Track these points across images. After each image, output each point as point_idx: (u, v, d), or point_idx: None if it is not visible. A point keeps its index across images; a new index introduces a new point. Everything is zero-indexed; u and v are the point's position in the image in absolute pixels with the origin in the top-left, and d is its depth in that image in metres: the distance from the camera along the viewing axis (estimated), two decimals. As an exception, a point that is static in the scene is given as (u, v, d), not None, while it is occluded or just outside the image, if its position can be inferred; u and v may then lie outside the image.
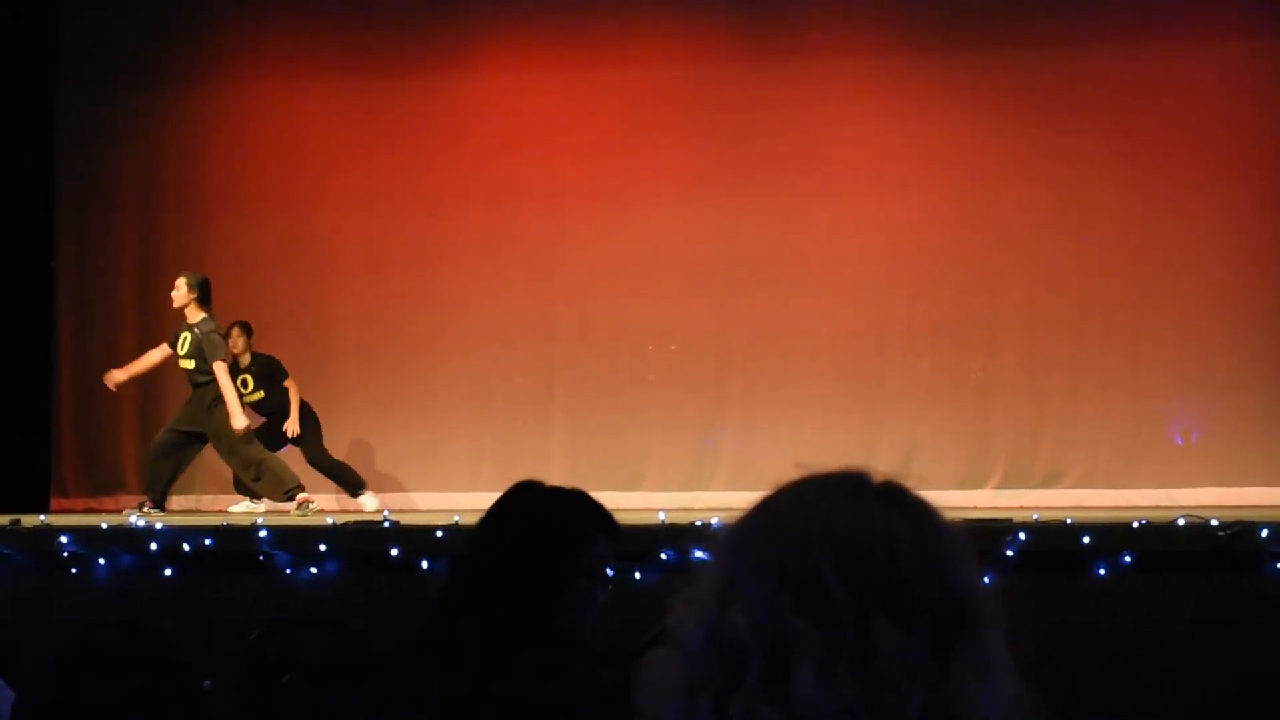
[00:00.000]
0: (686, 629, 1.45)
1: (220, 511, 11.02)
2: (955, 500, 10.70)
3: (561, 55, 12.08)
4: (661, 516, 8.60)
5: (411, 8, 12.21)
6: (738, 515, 1.53)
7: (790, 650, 1.39)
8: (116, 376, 10.88)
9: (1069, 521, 8.03)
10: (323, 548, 8.10)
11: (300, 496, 10.49)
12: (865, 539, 1.44)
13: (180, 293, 10.61)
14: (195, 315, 10.54)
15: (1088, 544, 7.51)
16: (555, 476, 3.92)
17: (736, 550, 1.47)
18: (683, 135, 11.86)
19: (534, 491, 3.41)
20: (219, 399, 10.49)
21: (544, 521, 3.33)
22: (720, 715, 1.40)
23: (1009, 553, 7.48)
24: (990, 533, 7.55)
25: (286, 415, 11.04)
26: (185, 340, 10.62)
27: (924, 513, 1.50)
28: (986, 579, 1.51)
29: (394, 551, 8.03)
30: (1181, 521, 7.86)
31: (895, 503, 1.49)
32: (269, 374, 11.13)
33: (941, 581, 1.44)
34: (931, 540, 1.47)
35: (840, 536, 1.44)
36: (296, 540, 8.21)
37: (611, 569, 3.32)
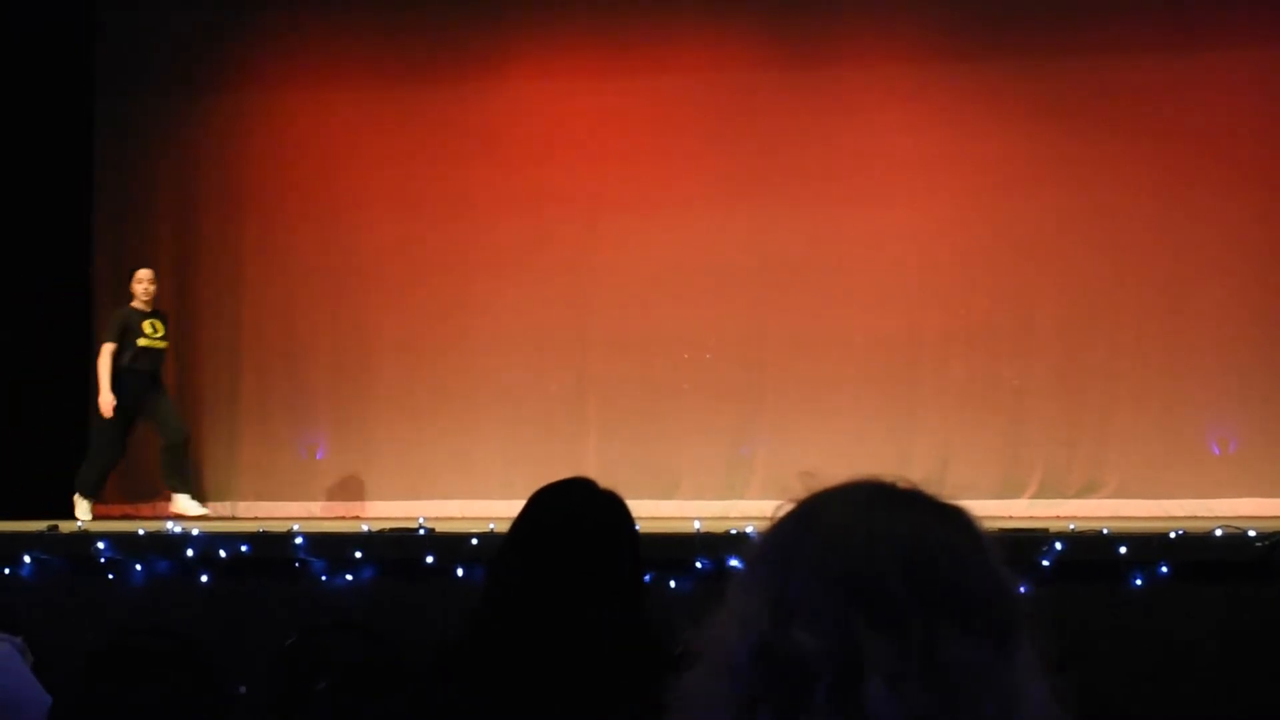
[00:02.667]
0: (730, 647, 1.43)
1: (256, 519, 11.03)
2: (991, 510, 10.67)
3: (595, 63, 12.08)
4: (696, 525, 8.60)
5: (445, 16, 12.23)
6: (768, 529, 1.52)
7: (860, 664, 1.38)
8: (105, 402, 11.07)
9: (1105, 532, 8.00)
10: (358, 554, 8.12)
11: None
12: (928, 549, 1.44)
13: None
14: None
15: (1124, 554, 7.48)
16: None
17: (790, 565, 1.46)
18: (716, 143, 11.85)
19: (571, 494, 3.41)
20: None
21: (584, 525, 3.33)
22: None
23: (1045, 563, 7.45)
24: (1026, 543, 7.53)
25: None
26: (160, 325, 11.15)
27: (969, 522, 1.50)
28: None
29: (429, 558, 8.04)
30: (1219, 532, 7.82)
31: (939, 511, 1.50)
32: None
33: (996, 589, 1.45)
34: (981, 549, 1.48)
35: (902, 544, 1.44)
36: (332, 547, 8.23)
37: (648, 576, 3.32)
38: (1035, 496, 11.26)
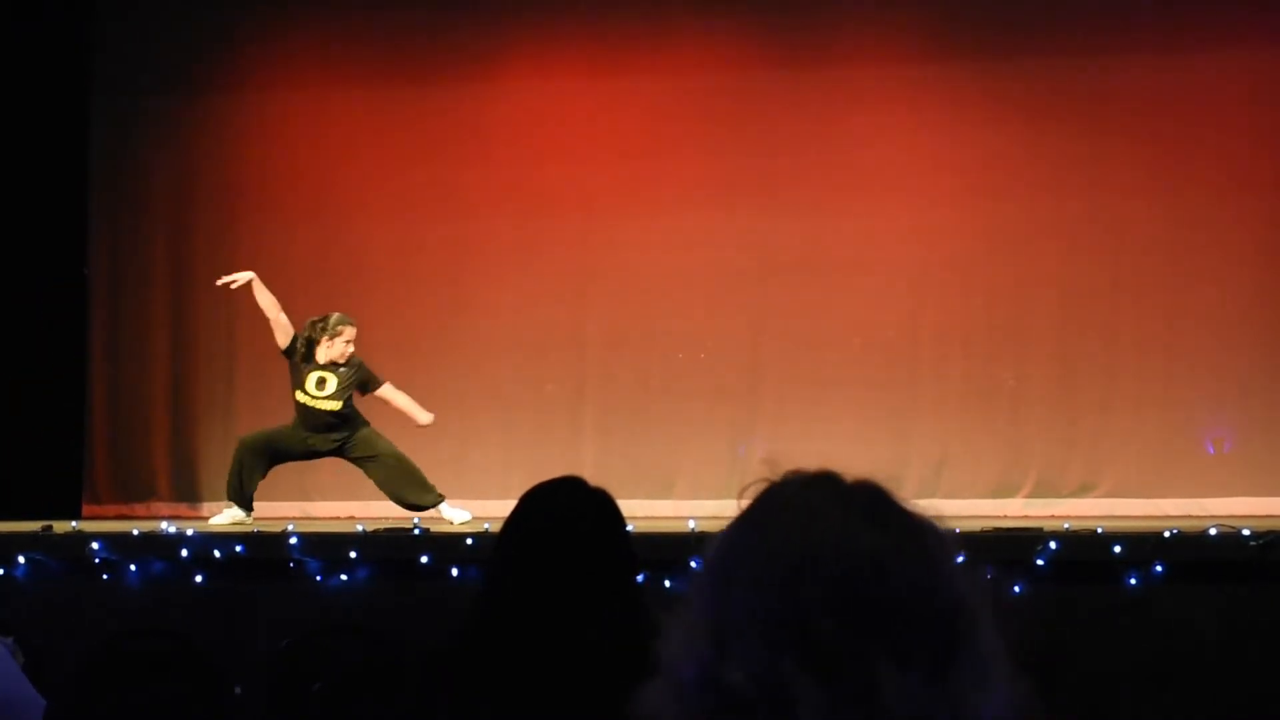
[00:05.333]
0: (679, 668, 1.43)
1: (259, 519, 11.03)
2: (986, 510, 10.69)
3: (591, 64, 12.08)
4: (692, 525, 8.61)
5: (441, 17, 12.22)
6: (719, 535, 1.51)
7: (792, 699, 1.38)
8: None
9: (1100, 531, 8.00)
10: (353, 555, 8.12)
11: None
12: (854, 568, 1.42)
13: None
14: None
15: (1119, 554, 7.49)
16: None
17: (728, 586, 1.45)
18: (714, 143, 11.85)
19: (560, 493, 3.42)
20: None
21: (573, 524, 3.33)
22: None
23: (1040, 562, 7.46)
24: (1021, 542, 7.54)
25: None
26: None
27: (905, 519, 1.48)
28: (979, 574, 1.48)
29: (424, 559, 8.05)
30: (1213, 531, 7.82)
31: (878, 516, 1.47)
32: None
33: (932, 595, 1.42)
34: (917, 553, 1.45)
35: (828, 570, 1.42)
36: (327, 547, 8.23)
37: (642, 576, 3.33)
38: (1030, 496, 11.26)
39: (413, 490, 10.26)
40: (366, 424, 10.44)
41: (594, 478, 3.52)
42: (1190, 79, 11.38)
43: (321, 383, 10.31)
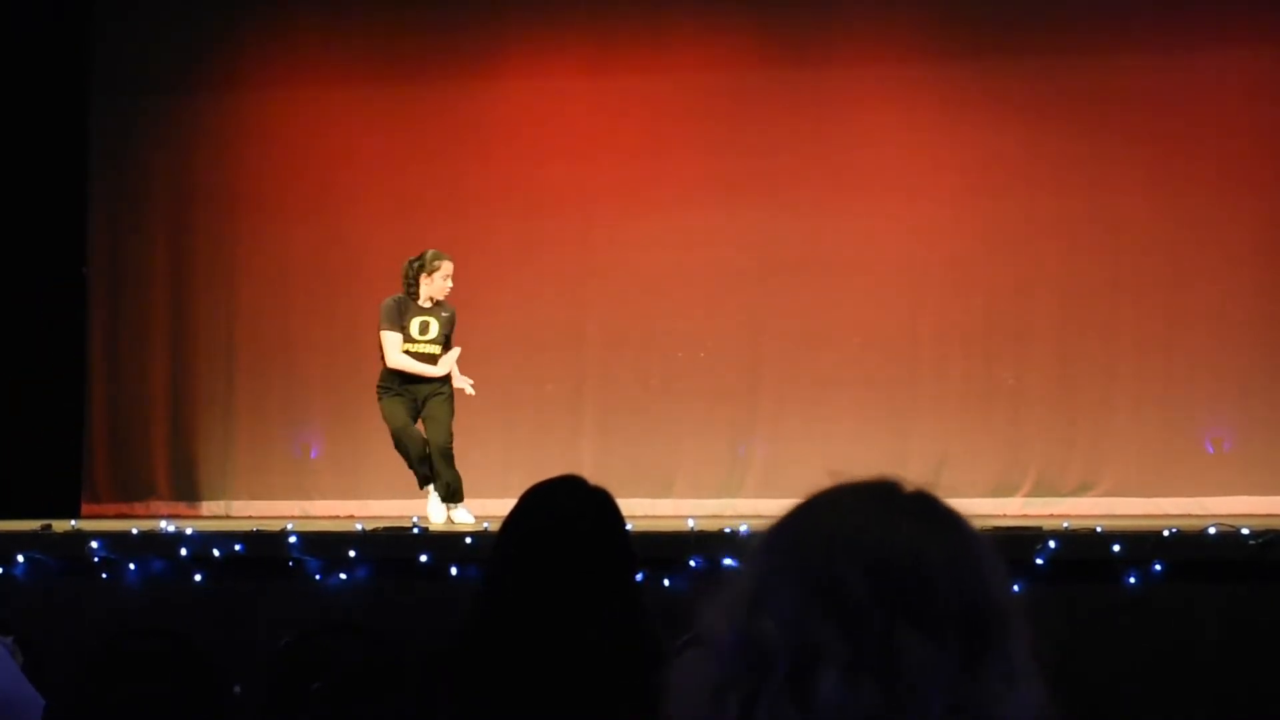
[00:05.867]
0: (717, 632, 1.47)
1: (250, 518, 11.02)
2: (986, 509, 10.69)
3: (591, 64, 12.09)
4: (691, 524, 8.61)
5: (439, 16, 12.23)
6: (769, 522, 1.54)
7: (816, 655, 1.41)
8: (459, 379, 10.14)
9: (1099, 530, 8.00)
10: (352, 554, 8.12)
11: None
12: (892, 548, 1.46)
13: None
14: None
15: (1118, 552, 7.48)
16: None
17: (766, 556, 1.49)
18: (712, 143, 11.86)
19: (559, 492, 3.42)
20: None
21: (572, 522, 3.33)
22: (747, 715, 1.42)
23: (1039, 561, 7.46)
24: (1020, 541, 7.53)
25: None
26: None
27: (953, 523, 1.51)
28: (1016, 589, 1.52)
29: (423, 558, 8.04)
30: (1212, 530, 7.82)
31: (924, 513, 1.51)
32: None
33: (969, 592, 1.46)
34: (959, 551, 1.48)
35: (867, 544, 1.46)
36: (326, 546, 8.23)
37: (641, 575, 3.33)
38: (1030, 495, 11.27)
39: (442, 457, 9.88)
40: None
41: (593, 477, 3.52)
42: (1190, 79, 11.38)
43: (425, 327, 10.00)
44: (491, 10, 12.17)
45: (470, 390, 10.03)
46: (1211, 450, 11.22)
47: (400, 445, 9.87)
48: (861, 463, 11.09)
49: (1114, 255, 11.40)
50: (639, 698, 3.05)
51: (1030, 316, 11.49)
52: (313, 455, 11.84)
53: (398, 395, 9.88)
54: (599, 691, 3.17)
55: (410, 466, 9.88)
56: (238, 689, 6.25)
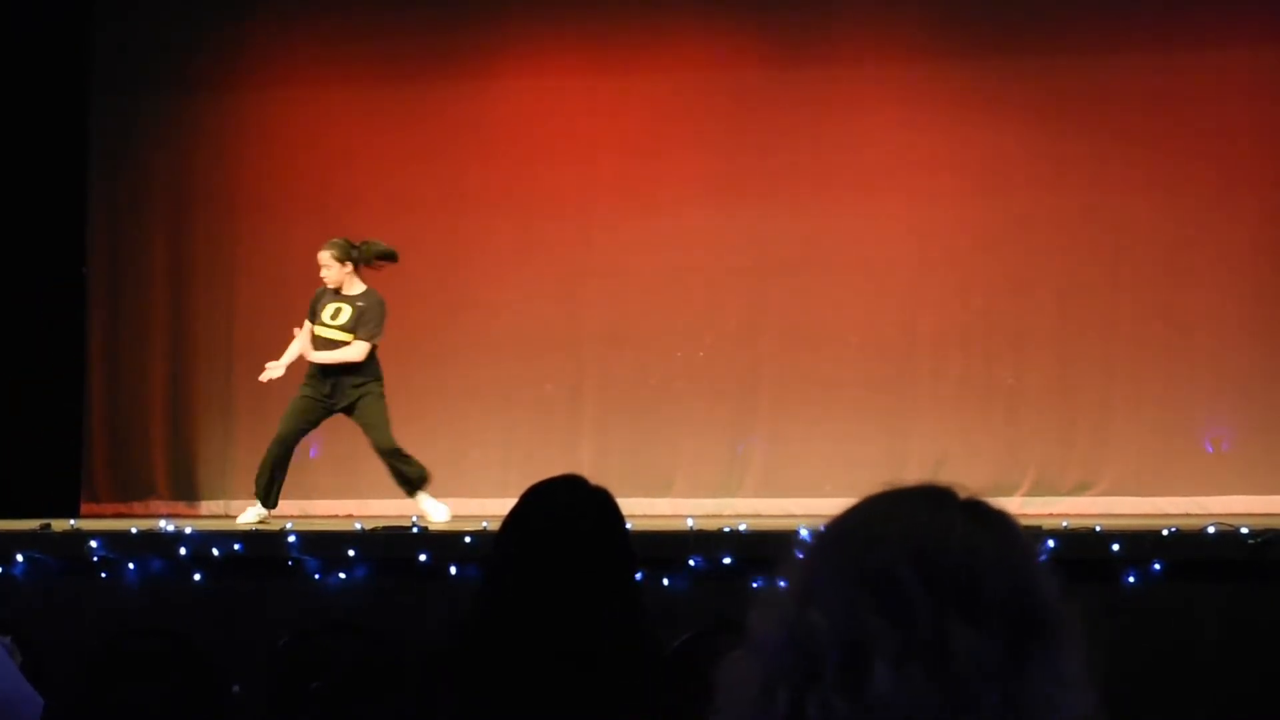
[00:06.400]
0: (767, 628, 1.48)
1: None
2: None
3: (589, 63, 12.09)
4: (690, 523, 8.61)
5: (441, 17, 12.23)
6: (823, 521, 1.58)
7: (867, 648, 1.42)
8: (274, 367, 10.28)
9: (1098, 529, 8.00)
10: (351, 553, 8.12)
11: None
12: (943, 543, 1.48)
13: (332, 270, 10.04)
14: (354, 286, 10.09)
15: (1117, 552, 7.49)
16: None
17: (817, 552, 1.51)
18: (711, 142, 11.86)
19: (560, 491, 3.42)
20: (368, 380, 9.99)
21: (573, 522, 3.33)
22: (797, 710, 1.43)
23: (1038, 560, 7.45)
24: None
25: None
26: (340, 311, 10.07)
27: (1005, 525, 1.54)
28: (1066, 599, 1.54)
29: (422, 557, 8.05)
30: (1211, 529, 7.83)
31: (977, 514, 1.53)
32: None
33: (1019, 590, 1.49)
34: (1011, 550, 1.51)
35: (918, 539, 1.48)
36: (325, 545, 8.23)
37: (640, 575, 3.33)
38: (1029, 495, 11.26)
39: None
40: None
41: (592, 476, 3.52)
42: (1190, 79, 11.38)
43: (336, 312, 10.07)
44: (491, 10, 12.17)
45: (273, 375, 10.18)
46: (1210, 450, 11.22)
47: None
48: (861, 463, 11.12)
49: (1114, 255, 11.40)
50: (639, 697, 3.05)
51: (1029, 317, 11.49)
52: (312, 455, 11.82)
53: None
54: (599, 691, 3.17)
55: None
56: (237, 689, 6.25)
